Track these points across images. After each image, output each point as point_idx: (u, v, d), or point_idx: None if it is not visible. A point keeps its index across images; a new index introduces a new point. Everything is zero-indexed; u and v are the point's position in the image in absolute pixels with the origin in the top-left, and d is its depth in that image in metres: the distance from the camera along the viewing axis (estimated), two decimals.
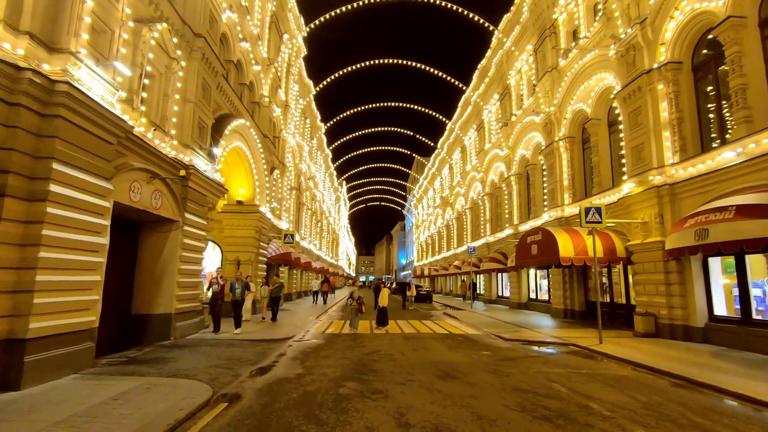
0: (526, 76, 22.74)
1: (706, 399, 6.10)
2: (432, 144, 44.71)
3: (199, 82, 11.93)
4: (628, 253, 13.19)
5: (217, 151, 13.16)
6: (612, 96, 14.53)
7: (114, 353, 8.86)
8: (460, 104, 35.08)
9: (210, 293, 12.12)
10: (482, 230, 30.17)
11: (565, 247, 13.50)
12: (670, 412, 5.41)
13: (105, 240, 7.72)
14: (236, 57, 16.21)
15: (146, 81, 9.65)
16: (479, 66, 29.16)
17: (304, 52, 28.34)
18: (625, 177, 13.56)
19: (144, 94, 9.59)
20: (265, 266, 19.95)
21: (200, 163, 11.88)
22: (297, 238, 27.12)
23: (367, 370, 7.66)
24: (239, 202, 17.79)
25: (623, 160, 13.89)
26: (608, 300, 15.49)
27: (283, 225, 23.96)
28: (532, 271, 22.33)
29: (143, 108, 9.48)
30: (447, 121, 37.89)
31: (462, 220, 37.09)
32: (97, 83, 7.32)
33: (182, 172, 10.39)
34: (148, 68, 9.67)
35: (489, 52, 27.19)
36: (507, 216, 25.08)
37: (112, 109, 7.58)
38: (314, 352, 9.65)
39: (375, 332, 13.17)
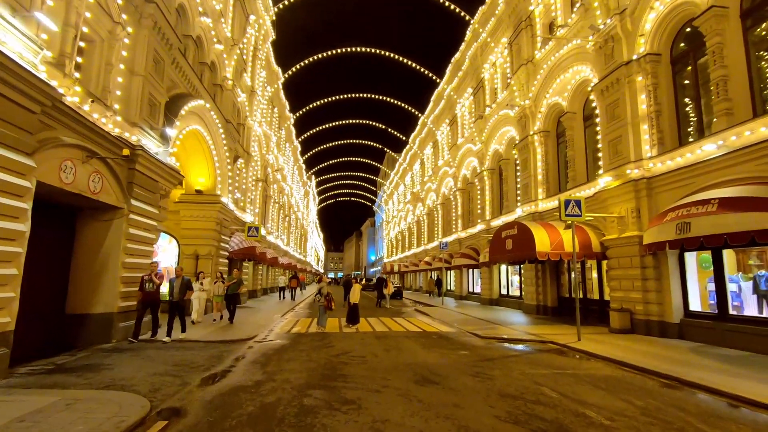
0: (500, 69, 22.39)
1: (703, 401, 5.68)
2: (404, 138, 43.87)
3: (150, 54, 10.61)
4: (603, 248, 12.98)
5: (171, 132, 11.86)
6: (589, 89, 14.27)
7: (40, 360, 7.61)
8: (432, 98, 34.52)
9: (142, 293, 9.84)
10: (454, 226, 29.83)
11: (542, 241, 13.15)
12: (672, 419, 4.91)
13: (24, 227, 6.50)
14: (196, 32, 14.84)
15: (83, 44, 8.35)
16: (453, 59, 28.64)
17: (272, 36, 26.88)
18: (601, 171, 13.33)
19: (79, 59, 8.30)
20: (226, 261, 18.65)
21: (150, 144, 10.61)
22: (263, 231, 25.75)
23: (336, 375, 6.84)
24: (198, 192, 16.39)
25: (599, 154, 13.66)
26: (582, 295, 15.33)
27: (248, 218, 22.61)
28: (503, 267, 22.11)
29: (78, 75, 8.16)
30: (420, 115, 37.26)
31: (433, 216, 36.70)
32: (12, 38, 6.10)
33: (126, 152, 9.12)
34: (85, 29, 8.35)
35: (463, 45, 26.71)
36: (479, 211, 24.77)
37: (35, 71, 6.37)
38: (277, 354, 8.73)
39: (345, 331, 12.35)
